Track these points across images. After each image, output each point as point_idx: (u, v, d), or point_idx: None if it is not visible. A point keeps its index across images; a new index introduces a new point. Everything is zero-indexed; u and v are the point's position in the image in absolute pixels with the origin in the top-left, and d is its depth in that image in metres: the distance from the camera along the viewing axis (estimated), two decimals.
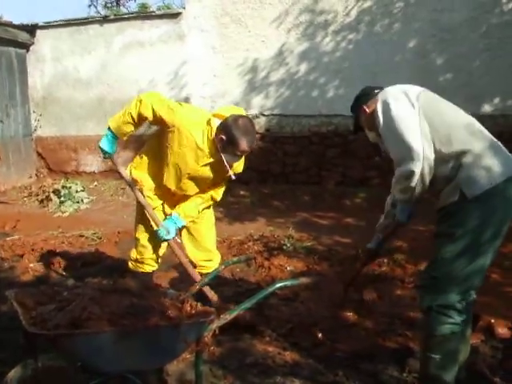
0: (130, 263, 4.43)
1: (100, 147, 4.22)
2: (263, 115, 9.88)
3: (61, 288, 3.37)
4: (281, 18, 9.56)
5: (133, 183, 4.24)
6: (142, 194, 4.24)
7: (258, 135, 9.77)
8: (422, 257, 5.58)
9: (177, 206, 4.26)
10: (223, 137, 3.80)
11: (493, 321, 4.16)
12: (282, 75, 9.70)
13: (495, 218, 2.99)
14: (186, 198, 4.26)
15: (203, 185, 4.19)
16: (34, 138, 11.62)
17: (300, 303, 4.69)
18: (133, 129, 4.13)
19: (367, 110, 3.44)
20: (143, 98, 4.01)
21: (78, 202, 9.10)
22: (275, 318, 4.37)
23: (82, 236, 6.95)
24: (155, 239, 4.24)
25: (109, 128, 4.15)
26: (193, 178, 4.12)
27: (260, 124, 9.88)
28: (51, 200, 9.13)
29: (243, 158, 4.10)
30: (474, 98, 8.38)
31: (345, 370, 3.64)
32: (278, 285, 3.28)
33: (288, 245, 6.19)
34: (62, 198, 9.09)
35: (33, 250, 6.27)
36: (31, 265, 5.83)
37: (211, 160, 3.98)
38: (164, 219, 4.22)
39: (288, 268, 5.59)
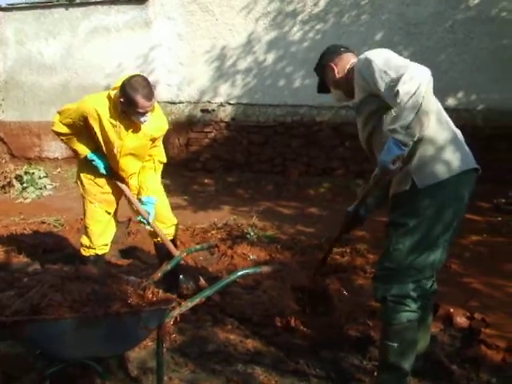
0: (82, 249, 4.58)
1: (102, 171, 4.38)
2: (229, 104, 9.85)
3: (21, 274, 3.33)
4: (249, 6, 9.51)
5: (126, 188, 4.43)
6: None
7: (223, 124, 9.76)
8: (384, 247, 5.66)
9: (140, 189, 4.44)
10: (122, 99, 3.94)
11: (452, 310, 4.23)
12: (249, 64, 9.67)
13: (446, 211, 3.01)
14: (133, 177, 4.46)
15: (140, 156, 4.36)
16: None
17: (262, 292, 4.70)
18: (82, 139, 4.31)
19: (334, 67, 3.39)
20: (53, 126, 4.29)
21: (40, 189, 8.99)
22: (237, 307, 4.39)
23: (44, 223, 6.88)
24: (104, 225, 4.50)
25: (85, 157, 4.36)
26: (127, 154, 4.27)
27: (226, 113, 9.86)
28: (13, 186, 9.01)
29: (160, 115, 4.33)
30: (438, 91, 8.32)
31: (305, 358, 3.68)
32: (240, 273, 3.30)
33: (251, 233, 6.19)
34: (25, 184, 8.97)
35: None
36: None
37: (131, 129, 4.15)
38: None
39: (251, 257, 5.61)
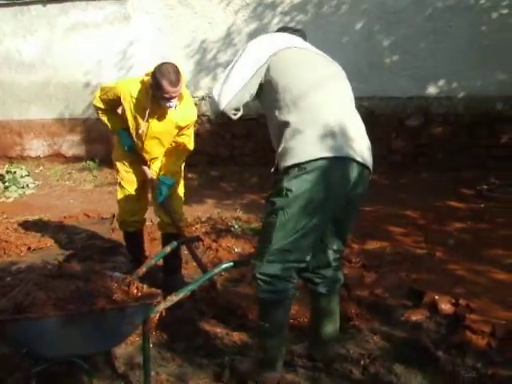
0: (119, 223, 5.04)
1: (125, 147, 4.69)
2: (210, 98, 9.79)
3: (4, 274, 3.33)
4: None
5: (146, 168, 4.71)
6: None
7: (205, 117, 9.71)
8: (369, 236, 5.70)
9: (160, 169, 4.66)
10: (151, 83, 4.21)
11: (436, 297, 4.26)
12: (229, 57, 9.62)
13: (309, 196, 2.99)
14: (155, 161, 4.71)
15: (165, 141, 4.58)
16: None
17: (247, 284, 4.70)
18: (114, 116, 4.70)
19: None
20: (93, 100, 4.70)
21: (23, 187, 8.91)
22: (222, 299, 4.39)
23: (27, 221, 6.83)
24: (132, 203, 4.76)
25: (116, 132, 4.75)
26: (152, 137, 4.51)
27: (207, 106, 9.83)
28: None
29: (189, 105, 4.56)
30: (419, 79, 8.50)
31: (291, 348, 3.68)
32: (224, 266, 3.31)
33: (236, 226, 6.19)
34: (7, 183, 8.88)
35: None
36: None
37: (157, 114, 4.39)
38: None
39: (236, 250, 5.61)
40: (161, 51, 9.85)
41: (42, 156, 11.03)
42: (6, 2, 10.70)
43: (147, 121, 4.40)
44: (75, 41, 10.36)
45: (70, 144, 10.82)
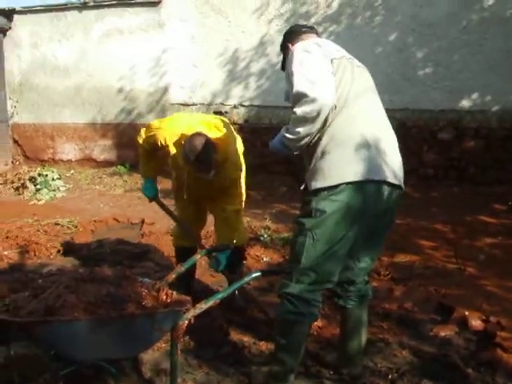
0: (172, 238, 4.93)
1: (146, 196, 4.53)
2: (242, 106, 9.85)
3: (35, 275, 3.35)
4: (262, 8, 9.52)
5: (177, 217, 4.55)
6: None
7: (236, 126, 9.74)
8: (398, 249, 5.63)
9: (227, 232, 4.34)
10: (183, 155, 3.89)
11: (467, 313, 4.20)
12: (262, 66, 9.67)
13: (339, 220, 2.97)
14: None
15: (208, 194, 4.38)
16: (11, 124, 11.49)
17: (276, 293, 4.67)
18: (152, 161, 4.44)
19: (292, 48, 3.25)
20: (139, 137, 4.34)
21: (54, 190, 9.03)
22: (251, 309, 4.38)
23: (57, 224, 6.89)
24: (189, 221, 4.55)
25: (143, 178, 4.59)
26: (194, 191, 4.30)
27: (239, 115, 9.87)
28: (27, 188, 9.05)
29: (230, 164, 4.16)
30: (452, 92, 8.44)
31: (316, 361, 3.66)
32: (254, 275, 3.31)
33: (265, 236, 6.20)
34: (38, 186, 9.01)
35: (7, 237, 6.20)
36: (5, 252, 5.77)
37: (193, 175, 4.08)
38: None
39: (264, 259, 5.61)
40: (194, 59, 9.95)
41: (73, 160, 11.17)
42: (43, 7, 10.88)
43: (187, 176, 4.15)
44: (109, 46, 10.51)
45: (102, 148, 10.94)
